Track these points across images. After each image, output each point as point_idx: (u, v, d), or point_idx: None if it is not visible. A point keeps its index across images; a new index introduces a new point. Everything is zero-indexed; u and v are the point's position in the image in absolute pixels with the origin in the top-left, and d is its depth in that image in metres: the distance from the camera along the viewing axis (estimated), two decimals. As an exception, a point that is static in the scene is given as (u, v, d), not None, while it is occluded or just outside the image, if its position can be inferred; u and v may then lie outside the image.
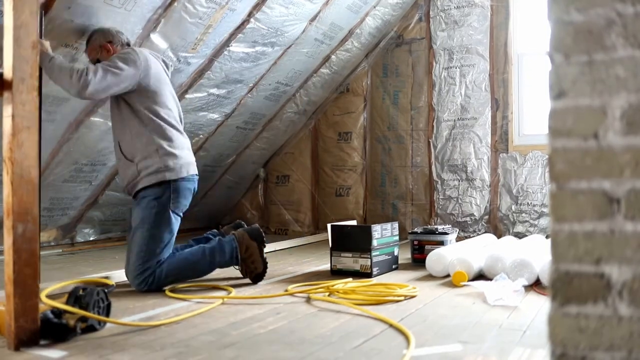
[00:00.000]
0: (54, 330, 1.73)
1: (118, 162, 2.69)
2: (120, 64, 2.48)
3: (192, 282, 2.69)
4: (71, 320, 1.75)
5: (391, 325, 1.89)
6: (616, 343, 0.93)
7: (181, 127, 2.71)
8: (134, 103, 2.57)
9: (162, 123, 2.59)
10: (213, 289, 2.59)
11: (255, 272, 2.70)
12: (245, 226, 2.87)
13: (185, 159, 2.64)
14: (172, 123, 2.63)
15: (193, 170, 2.69)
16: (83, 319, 1.78)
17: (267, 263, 2.72)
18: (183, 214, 2.65)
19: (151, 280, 2.49)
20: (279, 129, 4.87)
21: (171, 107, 2.66)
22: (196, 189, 2.73)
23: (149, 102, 2.58)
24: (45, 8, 2.61)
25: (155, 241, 2.52)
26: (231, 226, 2.95)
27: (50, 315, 1.75)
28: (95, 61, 2.66)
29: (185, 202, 2.65)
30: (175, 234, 2.61)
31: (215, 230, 2.98)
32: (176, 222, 2.61)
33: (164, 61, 2.79)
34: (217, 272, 2.88)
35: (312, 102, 4.90)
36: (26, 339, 1.66)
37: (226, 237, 2.76)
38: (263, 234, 2.76)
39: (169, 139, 2.59)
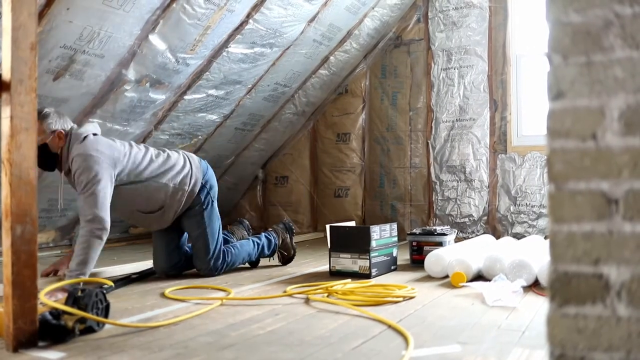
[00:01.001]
0: (53, 332, 1.73)
1: (148, 220, 2.88)
2: (89, 175, 2.50)
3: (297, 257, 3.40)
4: (70, 322, 1.75)
5: (390, 326, 1.89)
6: (615, 344, 0.93)
7: (161, 152, 2.85)
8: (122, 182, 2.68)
9: (151, 175, 2.75)
10: (212, 290, 2.59)
11: (287, 256, 3.32)
12: (246, 223, 3.39)
13: (187, 168, 2.88)
14: (156, 163, 2.78)
15: (196, 166, 2.93)
16: (82, 320, 1.78)
17: (296, 249, 3.36)
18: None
19: (223, 266, 2.96)
20: (277, 130, 4.87)
21: (144, 157, 2.75)
22: (209, 168, 3.03)
23: (132, 174, 2.70)
24: (44, 8, 2.61)
25: (214, 234, 2.94)
26: (237, 223, 3.40)
27: (49, 317, 1.75)
28: (42, 144, 2.48)
29: (215, 189, 3.02)
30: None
31: (226, 231, 3.27)
32: (216, 209, 3.01)
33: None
34: (223, 276, 2.89)
35: (311, 103, 4.90)
36: (25, 341, 1.66)
37: (269, 234, 3.26)
38: (293, 227, 3.40)
39: (167, 171, 2.80)
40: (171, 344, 1.72)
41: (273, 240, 3.23)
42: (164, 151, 2.87)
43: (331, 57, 4.55)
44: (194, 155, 2.98)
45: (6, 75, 1.67)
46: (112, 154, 2.59)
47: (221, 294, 2.48)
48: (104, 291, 1.97)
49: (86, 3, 2.70)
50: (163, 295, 2.46)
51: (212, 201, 2.95)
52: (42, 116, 2.49)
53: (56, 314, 1.77)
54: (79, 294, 1.84)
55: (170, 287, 2.59)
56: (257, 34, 3.69)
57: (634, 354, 0.92)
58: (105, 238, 2.50)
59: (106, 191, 2.53)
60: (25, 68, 1.70)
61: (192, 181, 2.86)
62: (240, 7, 3.40)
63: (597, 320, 0.94)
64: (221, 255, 2.94)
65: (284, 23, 3.77)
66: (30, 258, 1.68)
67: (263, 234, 3.25)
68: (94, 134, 2.63)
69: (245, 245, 3.09)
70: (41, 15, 2.60)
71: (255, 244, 3.13)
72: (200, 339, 1.79)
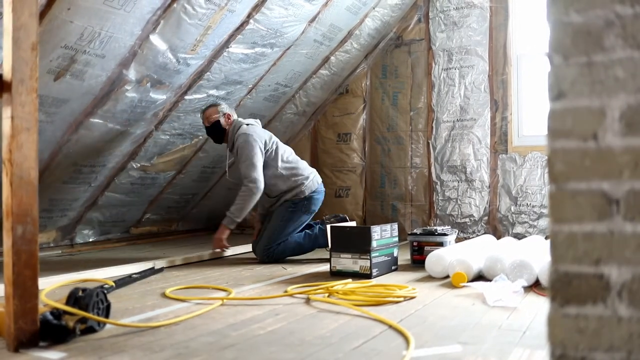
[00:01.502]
0: (54, 332, 1.73)
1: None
2: (249, 150, 3.43)
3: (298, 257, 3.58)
4: (70, 322, 1.75)
5: (391, 327, 1.89)
6: (616, 344, 0.93)
7: (295, 156, 3.71)
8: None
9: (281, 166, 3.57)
10: (212, 290, 2.59)
11: None
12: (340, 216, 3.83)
13: (307, 176, 3.61)
14: (290, 158, 3.65)
15: (314, 181, 3.64)
16: (82, 320, 1.78)
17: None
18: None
19: (272, 255, 3.45)
20: (278, 130, 4.87)
21: (285, 150, 3.65)
22: (322, 193, 3.69)
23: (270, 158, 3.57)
24: (45, 8, 2.61)
25: (280, 233, 3.49)
26: (332, 217, 3.81)
27: (50, 317, 1.75)
28: (215, 122, 3.56)
29: (314, 207, 3.61)
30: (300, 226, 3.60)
31: (319, 221, 3.78)
32: (302, 219, 3.58)
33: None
34: (218, 274, 2.88)
35: (312, 103, 4.90)
36: (25, 341, 1.66)
37: (323, 225, 3.64)
38: (345, 218, 3.71)
39: (294, 168, 3.60)
40: (172, 344, 1.73)
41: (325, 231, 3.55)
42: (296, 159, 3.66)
43: (332, 57, 4.55)
44: (318, 176, 3.69)
45: (7, 76, 1.67)
46: (263, 138, 3.51)
47: (222, 294, 2.48)
48: (105, 291, 1.97)
49: (87, 3, 2.70)
50: (164, 295, 2.46)
51: (301, 212, 3.54)
52: (216, 104, 3.62)
53: (57, 314, 1.77)
54: (80, 294, 1.85)
55: (171, 287, 2.59)
56: (258, 34, 3.69)
57: (635, 355, 0.92)
58: (259, 195, 3.41)
59: (260, 161, 3.45)
60: (26, 68, 1.70)
61: (303, 187, 3.54)
62: (241, 7, 3.40)
63: (598, 320, 0.94)
64: (275, 247, 3.45)
65: (285, 23, 3.77)
66: (31, 258, 1.68)
67: (318, 225, 3.67)
68: (249, 124, 3.56)
69: (295, 237, 3.54)
70: (42, 15, 2.60)
71: (307, 235, 3.57)
72: (201, 339, 1.79)
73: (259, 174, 3.41)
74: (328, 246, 3.37)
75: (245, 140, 3.45)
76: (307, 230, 3.63)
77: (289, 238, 3.53)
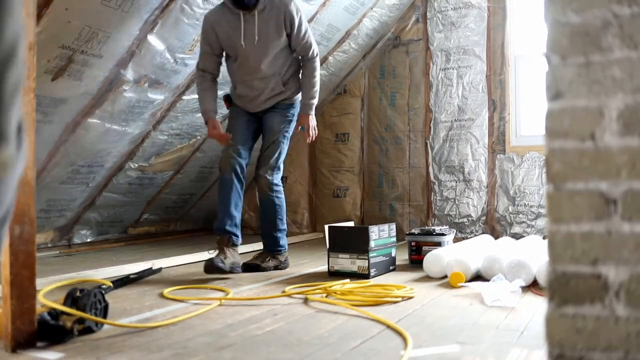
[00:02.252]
0: (51, 332, 1.72)
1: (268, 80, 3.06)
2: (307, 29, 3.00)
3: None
4: (68, 322, 1.74)
5: (389, 327, 1.89)
6: (613, 344, 0.93)
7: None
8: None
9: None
10: (210, 290, 2.59)
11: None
12: None
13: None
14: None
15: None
16: (80, 320, 1.78)
17: None
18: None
19: (277, 187, 3.05)
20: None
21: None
22: None
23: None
24: (43, 8, 2.61)
25: (286, 148, 3.10)
26: None
27: (47, 317, 1.75)
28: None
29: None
30: None
31: None
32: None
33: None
34: (216, 274, 2.88)
35: (310, 104, 4.89)
36: (23, 341, 1.66)
37: None
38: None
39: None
40: (170, 344, 1.72)
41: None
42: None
43: (330, 57, 4.55)
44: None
45: (4, 76, 1.67)
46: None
47: (220, 294, 2.48)
48: (103, 291, 1.97)
49: (84, 3, 2.70)
50: (162, 295, 2.46)
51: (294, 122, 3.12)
52: None
53: (55, 314, 1.77)
54: (78, 294, 1.84)
55: (169, 288, 2.59)
56: (256, 34, 3.69)
57: (632, 354, 0.92)
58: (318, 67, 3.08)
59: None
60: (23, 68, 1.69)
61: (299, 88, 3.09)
62: (238, 7, 3.39)
63: (595, 320, 0.94)
64: (280, 176, 3.06)
65: (283, 23, 3.77)
66: (28, 258, 1.68)
67: None
68: None
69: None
70: (40, 15, 2.59)
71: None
72: (199, 339, 1.79)
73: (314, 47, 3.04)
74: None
75: (300, 15, 2.97)
76: None
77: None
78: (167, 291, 2.50)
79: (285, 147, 3.10)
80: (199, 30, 3.32)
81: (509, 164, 4.36)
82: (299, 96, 3.14)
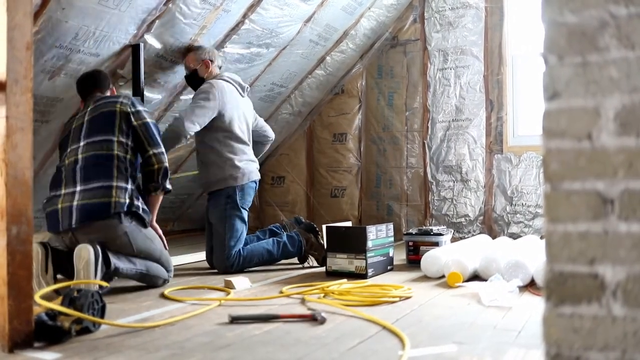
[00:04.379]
0: (49, 333, 1.72)
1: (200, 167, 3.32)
2: (202, 101, 3.09)
3: (263, 267, 3.22)
4: (66, 322, 1.74)
5: (384, 327, 1.89)
6: (610, 343, 0.93)
7: (245, 141, 3.30)
8: (210, 126, 3.16)
9: (228, 141, 3.21)
10: (209, 290, 2.59)
11: (321, 255, 3.23)
12: (303, 221, 3.47)
13: (247, 169, 3.23)
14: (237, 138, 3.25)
15: (255, 176, 3.28)
16: (78, 320, 1.78)
17: (324, 245, 3.16)
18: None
19: (238, 262, 3.08)
20: (274, 130, 4.86)
21: (242, 128, 3.28)
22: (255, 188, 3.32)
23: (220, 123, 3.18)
24: (40, 8, 2.60)
25: (233, 232, 3.12)
26: (292, 221, 3.51)
27: (45, 317, 1.74)
28: (192, 70, 3.29)
29: (247, 201, 3.24)
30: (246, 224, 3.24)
31: (277, 224, 3.52)
32: (246, 216, 3.22)
33: (240, 85, 3.33)
34: (214, 275, 2.88)
35: (307, 104, 4.90)
36: (20, 341, 1.65)
37: (292, 232, 3.33)
38: (315, 226, 3.37)
39: (234, 153, 3.22)
40: (167, 345, 1.72)
41: (296, 238, 3.25)
42: (247, 143, 3.30)
43: (327, 57, 4.55)
44: (257, 170, 3.32)
45: (1, 75, 1.67)
46: (226, 95, 3.16)
47: (218, 295, 2.48)
48: (100, 292, 1.97)
49: (82, 3, 2.69)
50: (160, 295, 2.46)
51: (239, 207, 3.16)
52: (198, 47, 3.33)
53: (52, 314, 1.77)
54: (75, 294, 1.84)
55: (169, 288, 2.59)
56: (254, 34, 3.69)
57: (629, 354, 0.92)
58: (177, 131, 3.05)
59: (205, 115, 3.10)
60: (20, 68, 1.69)
61: (237, 174, 3.17)
62: (236, 7, 3.39)
63: (592, 319, 0.95)
64: (237, 253, 3.09)
65: (280, 23, 3.77)
66: (25, 259, 1.68)
67: (285, 233, 3.35)
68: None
69: (263, 244, 3.20)
70: (37, 15, 2.59)
71: (275, 242, 3.21)
72: (196, 339, 1.79)
73: (192, 121, 3.05)
74: (305, 261, 3.27)
75: (204, 89, 3.14)
76: (275, 237, 3.27)
77: (257, 244, 3.18)
78: (167, 291, 2.49)
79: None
80: (196, 29, 3.32)
81: (506, 163, 4.36)
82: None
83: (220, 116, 3.14)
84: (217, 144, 3.19)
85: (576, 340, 0.95)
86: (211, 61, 3.29)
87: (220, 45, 3.61)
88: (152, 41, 3.19)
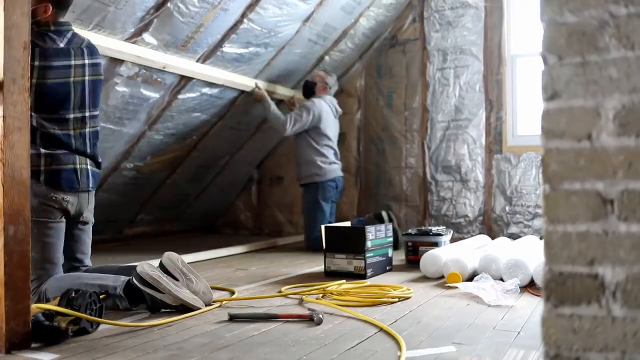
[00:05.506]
0: (46, 333, 1.72)
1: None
2: (304, 115, 4.08)
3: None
4: (63, 323, 1.74)
5: (382, 329, 1.88)
6: (610, 344, 0.93)
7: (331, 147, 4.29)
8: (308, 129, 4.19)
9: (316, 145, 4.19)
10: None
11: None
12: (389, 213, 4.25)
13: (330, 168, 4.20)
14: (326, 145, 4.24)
15: (334, 174, 4.23)
16: (75, 321, 1.77)
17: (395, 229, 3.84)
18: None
19: (316, 243, 3.83)
20: (273, 130, 4.86)
21: (330, 137, 4.27)
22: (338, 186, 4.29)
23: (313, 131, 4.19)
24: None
25: (313, 218, 4.10)
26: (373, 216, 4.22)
27: (42, 318, 1.74)
28: (312, 85, 4.29)
29: (329, 194, 4.18)
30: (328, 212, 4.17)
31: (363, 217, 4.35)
32: (326, 207, 4.15)
33: (335, 107, 4.32)
34: (211, 274, 2.87)
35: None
36: (18, 342, 1.65)
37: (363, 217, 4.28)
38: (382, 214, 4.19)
39: (321, 155, 4.20)
40: (165, 345, 1.72)
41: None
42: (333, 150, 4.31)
43: (326, 57, 4.54)
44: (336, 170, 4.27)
45: (-1, 75, 1.66)
46: (322, 114, 4.19)
47: (218, 295, 2.47)
48: (98, 292, 1.96)
49: (79, 0, 2.69)
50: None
51: (320, 197, 4.11)
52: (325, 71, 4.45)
53: (49, 315, 1.76)
54: (73, 295, 1.83)
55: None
56: (252, 34, 3.68)
57: (629, 355, 0.92)
58: (281, 128, 4.12)
59: (302, 127, 4.18)
60: (18, 67, 1.68)
61: (320, 171, 4.14)
62: (234, 6, 3.39)
63: (592, 320, 0.94)
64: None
65: (279, 22, 3.76)
66: (23, 259, 1.67)
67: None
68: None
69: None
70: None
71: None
72: (195, 340, 1.78)
73: (293, 129, 4.09)
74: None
75: (308, 105, 4.15)
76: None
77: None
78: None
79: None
80: (193, 27, 3.31)
81: (505, 164, 4.36)
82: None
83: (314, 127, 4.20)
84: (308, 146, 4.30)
85: (576, 340, 0.95)
86: (325, 84, 4.27)
87: (218, 45, 3.60)
88: (149, 39, 3.18)
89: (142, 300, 2.16)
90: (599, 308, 0.94)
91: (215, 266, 3.33)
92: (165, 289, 2.12)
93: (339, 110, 4.37)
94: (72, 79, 2.36)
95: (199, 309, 2.16)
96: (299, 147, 4.24)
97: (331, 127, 4.24)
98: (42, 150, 2.27)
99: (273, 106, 4.09)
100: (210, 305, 2.24)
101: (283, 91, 4.48)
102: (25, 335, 1.67)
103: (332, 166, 4.20)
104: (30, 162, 1.73)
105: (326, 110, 4.17)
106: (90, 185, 2.46)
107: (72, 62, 2.36)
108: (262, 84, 4.12)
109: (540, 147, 0.99)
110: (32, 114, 2.13)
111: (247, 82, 4.06)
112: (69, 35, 2.40)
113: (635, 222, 0.92)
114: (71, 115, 2.40)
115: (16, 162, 1.67)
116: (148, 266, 2.20)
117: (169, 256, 2.29)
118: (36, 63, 2.21)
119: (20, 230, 1.67)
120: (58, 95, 2.32)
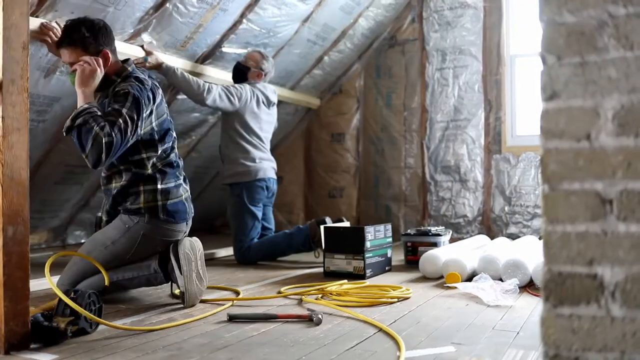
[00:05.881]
0: (45, 334, 1.71)
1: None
2: (234, 92, 3.46)
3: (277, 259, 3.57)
4: (62, 324, 1.73)
5: (381, 330, 1.88)
6: (609, 344, 0.93)
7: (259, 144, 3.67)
8: (232, 121, 3.60)
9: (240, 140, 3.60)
10: (210, 290, 2.58)
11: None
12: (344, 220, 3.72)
13: (257, 167, 3.59)
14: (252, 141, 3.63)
15: (263, 174, 3.61)
16: (74, 322, 1.77)
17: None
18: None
19: (247, 254, 3.47)
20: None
21: (259, 133, 3.65)
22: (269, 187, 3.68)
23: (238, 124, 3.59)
24: (36, 8, 2.59)
25: (241, 226, 3.55)
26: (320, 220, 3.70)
27: (41, 319, 1.74)
28: (245, 70, 3.63)
29: (259, 197, 3.59)
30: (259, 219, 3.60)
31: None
32: (256, 211, 3.58)
33: (268, 97, 3.67)
34: (211, 274, 2.87)
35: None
36: (17, 343, 1.64)
37: (303, 225, 3.59)
38: (325, 219, 3.51)
39: (245, 152, 3.59)
40: (164, 346, 1.72)
41: (304, 230, 3.46)
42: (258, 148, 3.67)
43: (325, 57, 4.54)
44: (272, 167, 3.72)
45: (-3, 75, 1.66)
46: (250, 101, 3.59)
47: (218, 295, 2.47)
48: (97, 293, 1.96)
49: (77, 1, 2.69)
50: (169, 295, 2.45)
51: (246, 200, 3.54)
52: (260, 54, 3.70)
53: (48, 315, 1.76)
54: (72, 295, 1.83)
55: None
56: (251, 34, 3.68)
57: (628, 355, 0.92)
58: (199, 93, 3.34)
59: (227, 105, 3.51)
60: (17, 67, 1.68)
61: (249, 169, 3.57)
62: (233, 7, 3.39)
63: (591, 320, 0.94)
64: (248, 244, 3.48)
65: (278, 23, 3.76)
66: (22, 259, 1.67)
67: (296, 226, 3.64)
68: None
69: (273, 239, 3.54)
70: (33, 14, 2.58)
71: (284, 233, 3.55)
72: (194, 340, 1.78)
73: (216, 101, 3.40)
74: (312, 248, 3.43)
75: (240, 87, 3.55)
76: (285, 230, 3.63)
77: (264, 237, 3.58)
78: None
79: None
80: (192, 28, 3.30)
81: (505, 164, 4.36)
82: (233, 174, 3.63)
83: (238, 115, 3.60)
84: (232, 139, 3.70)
85: (575, 341, 0.95)
86: (261, 69, 3.64)
87: (217, 45, 3.60)
88: (147, 39, 3.18)
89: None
90: (598, 308, 0.94)
91: (215, 266, 3.33)
92: (185, 272, 2.22)
93: (273, 100, 3.73)
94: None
95: (191, 306, 2.23)
96: (222, 141, 3.68)
97: (261, 120, 3.64)
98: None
99: (180, 70, 3.31)
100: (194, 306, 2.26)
101: (280, 92, 4.48)
102: (24, 336, 1.67)
103: (259, 164, 3.59)
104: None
105: (256, 100, 3.59)
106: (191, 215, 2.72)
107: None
108: (149, 41, 3.19)
109: (539, 147, 0.99)
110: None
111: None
112: (131, 67, 2.45)
113: (634, 222, 0.92)
114: (173, 137, 2.57)
115: (15, 163, 1.67)
116: (189, 243, 2.31)
117: (194, 243, 2.35)
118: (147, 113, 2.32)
119: (19, 230, 1.67)
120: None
